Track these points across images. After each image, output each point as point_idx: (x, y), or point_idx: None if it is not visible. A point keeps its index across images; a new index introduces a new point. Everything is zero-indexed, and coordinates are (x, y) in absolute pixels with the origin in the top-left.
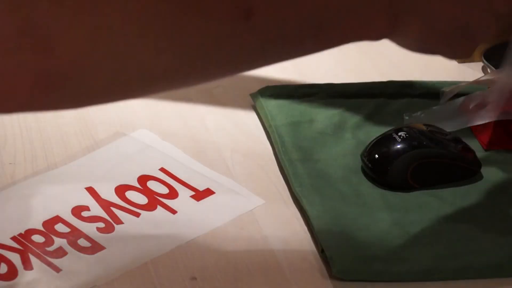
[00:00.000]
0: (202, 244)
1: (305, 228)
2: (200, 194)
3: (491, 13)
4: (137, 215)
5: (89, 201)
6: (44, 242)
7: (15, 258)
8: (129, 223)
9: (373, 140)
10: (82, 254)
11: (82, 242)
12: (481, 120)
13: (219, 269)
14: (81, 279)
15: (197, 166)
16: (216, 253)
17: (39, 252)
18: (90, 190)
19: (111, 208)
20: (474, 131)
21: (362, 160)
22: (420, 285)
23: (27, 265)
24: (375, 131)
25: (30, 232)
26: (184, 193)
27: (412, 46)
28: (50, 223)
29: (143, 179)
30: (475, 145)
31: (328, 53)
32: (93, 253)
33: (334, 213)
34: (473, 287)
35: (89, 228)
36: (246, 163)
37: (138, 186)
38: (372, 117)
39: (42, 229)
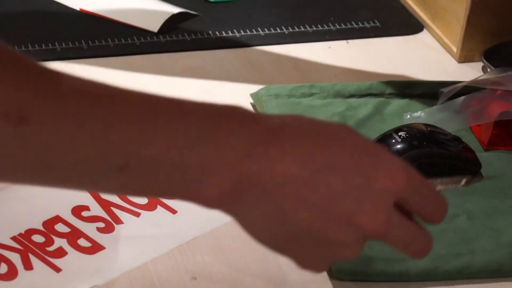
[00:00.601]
0: (202, 244)
1: None
2: None
3: (354, 231)
4: (137, 215)
5: (89, 201)
6: (44, 242)
7: (15, 258)
8: (129, 223)
9: (373, 140)
10: (82, 254)
11: (82, 242)
12: (481, 120)
13: (219, 269)
14: (81, 279)
15: None
16: (216, 253)
17: (39, 252)
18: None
19: (111, 207)
20: (474, 131)
21: None
22: (420, 285)
23: (27, 265)
24: (375, 131)
25: (30, 232)
26: None
27: (254, 234)
28: (50, 223)
29: None
30: (475, 145)
31: (328, 53)
32: (93, 253)
33: None
34: (473, 287)
35: (89, 228)
36: None
37: None
38: (372, 117)
39: (42, 229)
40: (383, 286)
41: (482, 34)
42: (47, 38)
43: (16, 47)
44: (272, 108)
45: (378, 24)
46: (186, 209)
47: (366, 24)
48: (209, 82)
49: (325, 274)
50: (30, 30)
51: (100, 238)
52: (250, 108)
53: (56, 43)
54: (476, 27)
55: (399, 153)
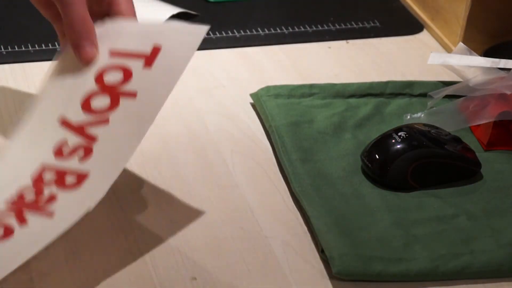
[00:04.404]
0: (202, 244)
1: (305, 228)
2: (150, 58)
3: None
4: (106, 121)
5: (66, 134)
6: (36, 198)
7: (9, 219)
8: (102, 136)
9: (373, 140)
10: (70, 192)
11: (68, 179)
12: (481, 120)
13: (219, 269)
14: (73, 212)
15: (133, 24)
16: (216, 253)
17: (33, 208)
18: (64, 123)
19: (85, 129)
20: (474, 131)
21: (362, 160)
22: (420, 285)
23: (21, 220)
24: (375, 131)
25: (22, 192)
26: (136, 66)
27: None
28: (38, 176)
29: (100, 78)
30: (475, 145)
31: (328, 52)
32: (79, 186)
33: (334, 213)
34: (473, 287)
35: (72, 163)
36: (246, 163)
37: (98, 88)
38: (372, 117)
39: (32, 185)
40: (383, 286)
41: (482, 34)
42: (48, 39)
43: (16, 47)
44: (272, 108)
45: (378, 24)
46: (146, 84)
47: (366, 24)
48: (209, 82)
49: (325, 274)
50: (30, 30)
51: (82, 166)
52: (251, 111)
53: (56, 44)
54: (476, 27)
55: (399, 153)
